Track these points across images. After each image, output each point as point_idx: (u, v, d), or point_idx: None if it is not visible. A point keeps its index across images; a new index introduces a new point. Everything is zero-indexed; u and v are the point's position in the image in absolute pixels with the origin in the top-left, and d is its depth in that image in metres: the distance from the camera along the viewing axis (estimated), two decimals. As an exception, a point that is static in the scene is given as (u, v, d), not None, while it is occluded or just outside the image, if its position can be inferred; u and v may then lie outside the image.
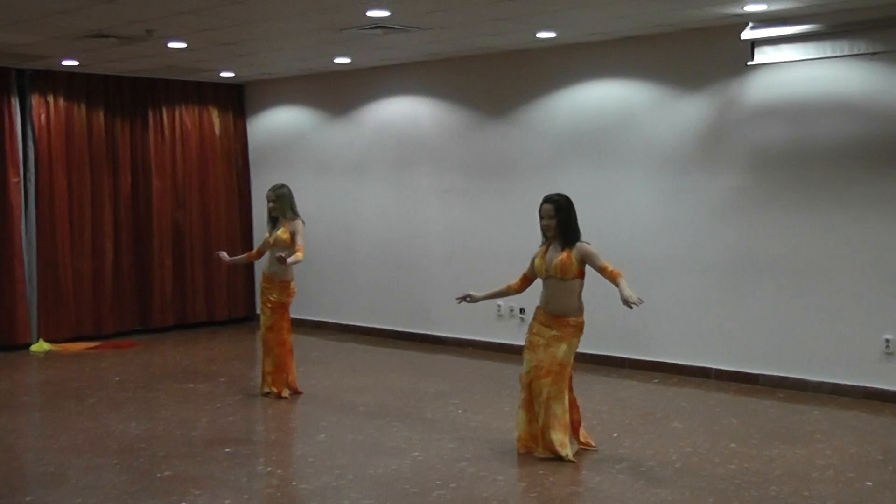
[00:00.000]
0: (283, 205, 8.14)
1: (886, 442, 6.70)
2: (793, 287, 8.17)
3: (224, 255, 8.61)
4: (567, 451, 6.22)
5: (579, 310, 6.27)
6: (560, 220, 6.23)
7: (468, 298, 6.68)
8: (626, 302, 5.89)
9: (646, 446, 6.55)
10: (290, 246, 8.03)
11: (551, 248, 6.30)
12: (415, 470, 6.12)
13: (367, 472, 6.08)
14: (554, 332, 6.24)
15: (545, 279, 6.32)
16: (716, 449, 6.50)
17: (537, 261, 6.36)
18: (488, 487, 5.76)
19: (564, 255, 6.20)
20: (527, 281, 6.52)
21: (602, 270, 6.16)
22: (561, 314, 6.25)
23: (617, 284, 6.04)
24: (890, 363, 7.72)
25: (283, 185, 8.30)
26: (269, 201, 8.21)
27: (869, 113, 7.73)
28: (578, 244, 6.22)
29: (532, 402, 6.37)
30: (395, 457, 6.40)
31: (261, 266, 8.43)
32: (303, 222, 8.15)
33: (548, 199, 6.32)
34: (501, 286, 6.65)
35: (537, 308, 6.40)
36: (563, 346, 6.22)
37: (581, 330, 6.30)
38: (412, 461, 6.31)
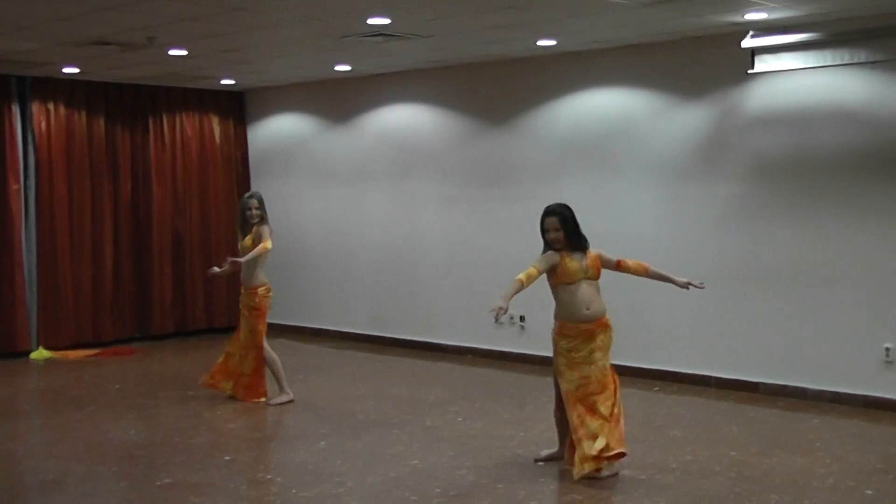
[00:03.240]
0: (263, 210, 8.24)
1: (887, 450, 6.69)
2: (793, 295, 8.17)
3: (215, 269, 8.63)
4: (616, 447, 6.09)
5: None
6: (567, 231, 6.12)
7: (501, 311, 5.91)
8: (687, 284, 6.34)
9: (646, 454, 6.54)
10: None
11: (575, 254, 6.13)
12: (414, 477, 6.11)
13: (366, 480, 6.07)
14: (597, 342, 6.08)
15: (577, 282, 6.07)
16: (716, 457, 6.49)
17: (572, 265, 6.08)
18: (488, 495, 5.75)
19: (594, 255, 6.16)
20: (532, 278, 6.08)
21: (619, 264, 6.30)
22: (599, 315, 6.12)
23: (657, 276, 6.44)
24: (890, 372, 7.72)
25: (257, 191, 8.54)
26: (252, 208, 8.19)
27: (869, 121, 7.73)
28: (595, 249, 6.22)
29: (594, 414, 6.06)
30: (394, 464, 6.39)
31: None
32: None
33: (550, 212, 6.16)
34: (515, 284, 6.02)
35: (562, 324, 6.11)
36: (605, 352, 6.13)
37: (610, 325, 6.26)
38: (412, 469, 6.30)
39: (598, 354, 6.10)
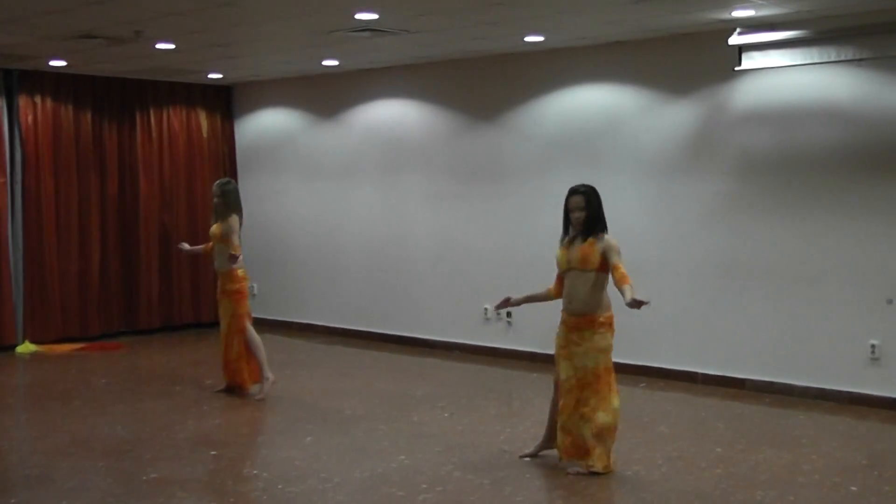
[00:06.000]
0: (226, 201, 8.23)
1: (872, 447, 6.73)
2: (779, 292, 8.20)
3: (185, 245, 8.95)
4: (600, 465, 5.97)
5: (607, 305, 5.94)
6: (590, 212, 5.95)
7: (508, 302, 6.36)
8: (632, 304, 5.59)
9: (632, 451, 6.55)
10: (223, 242, 8.19)
11: (576, 240, 6.00)
12: (401, 473, 6.11)
13: (353, 476, 6.07)
14: (583, 337, 5.93)
15: (566, 272, 6.01)
16: (702, 453, 6.51)
17: (559, 253, 6.06)
18: (475, 491, 5.76)
19: (587, 244, 5.91)
20: (562, 281, 6.15)
21: (613, 268, 5.84)
22: (586, 311, 5.93)
23: (622, 291, 5.73)
24: (876, 368, 7.75)
25: (229, 181, 8.47)
26: (214, 196, 8.31)
27: (856, 119, 7.76)
28: (606, 236, 5.93)
29: (564, 411, 6.05)
30: (381, 460, 6.39)
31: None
32: (239, 218, 8.20)
33: (576, 191, 6.01)
34: (541, 290, 6.30)
35: (561, 313, 6.09)
36: (592, 353, 5.92)
37: (611, 326, 5.98)
38: (398, 464, 6.30)
39: (583, 350, 5.95)
